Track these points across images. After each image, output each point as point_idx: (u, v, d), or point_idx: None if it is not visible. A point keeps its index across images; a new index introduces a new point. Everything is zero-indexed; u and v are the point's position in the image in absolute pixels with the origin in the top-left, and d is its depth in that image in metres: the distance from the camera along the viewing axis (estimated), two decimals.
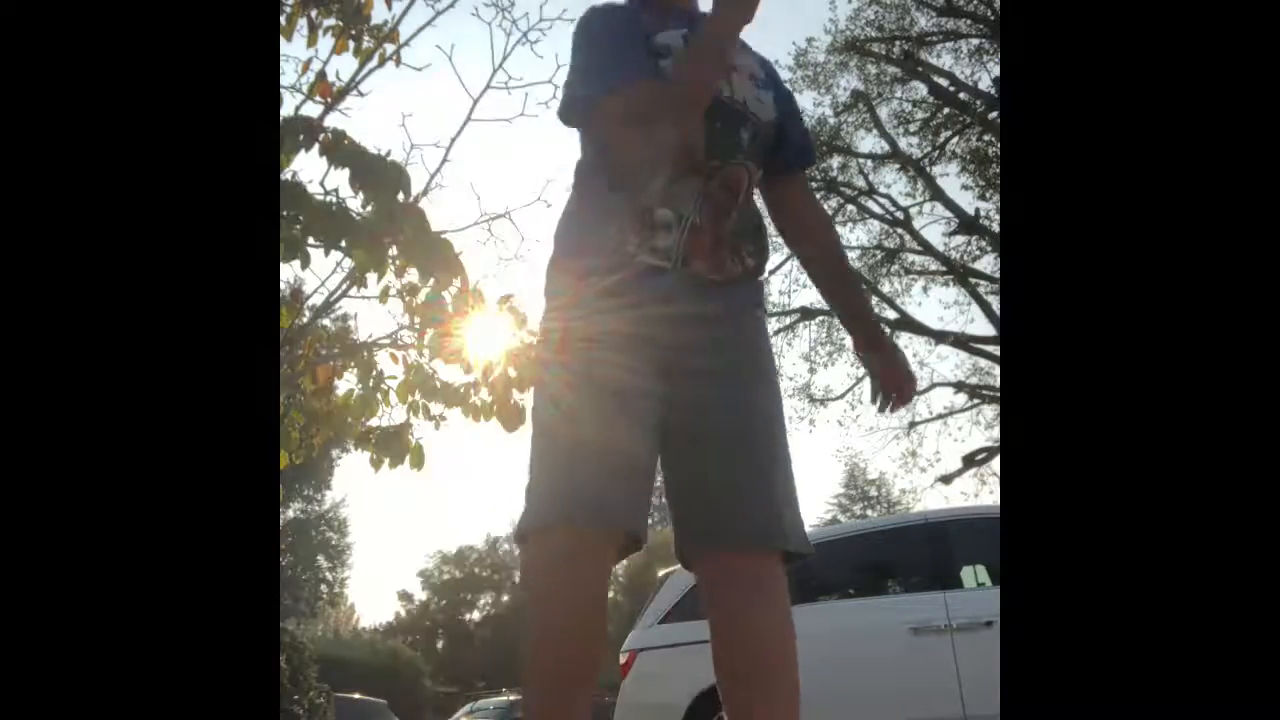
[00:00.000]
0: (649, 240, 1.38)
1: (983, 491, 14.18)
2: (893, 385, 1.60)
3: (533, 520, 1.32)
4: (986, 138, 13.50)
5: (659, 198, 1.39)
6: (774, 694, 1.31)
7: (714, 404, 1.36)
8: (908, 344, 15.51)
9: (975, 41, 13.97)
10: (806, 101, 14.76)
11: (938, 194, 14.11)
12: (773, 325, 15.39)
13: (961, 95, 14.02)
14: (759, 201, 1.56)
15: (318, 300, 3.89)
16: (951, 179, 15.37)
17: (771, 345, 1.52)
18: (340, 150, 2.76)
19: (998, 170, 12.50)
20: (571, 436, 1.33)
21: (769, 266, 1.62)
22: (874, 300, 15.08)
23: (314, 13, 3.14)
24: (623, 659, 5.18)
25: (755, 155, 1.47)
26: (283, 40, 3.09)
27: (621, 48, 1.42)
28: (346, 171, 2.74)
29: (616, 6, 1.51)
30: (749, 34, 1.47)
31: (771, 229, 1.61)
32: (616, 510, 1.30)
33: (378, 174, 2.73)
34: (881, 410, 1.60)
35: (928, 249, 14.79)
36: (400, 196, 2.76)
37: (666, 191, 1.39)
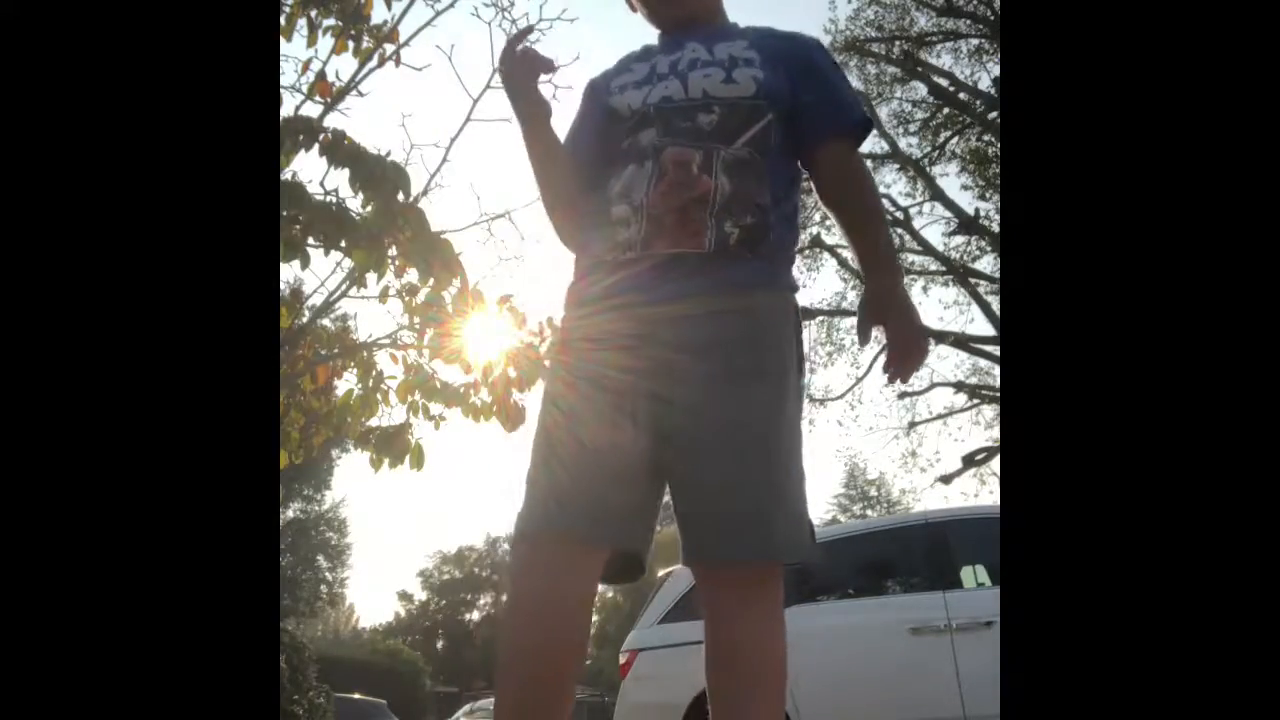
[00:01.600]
0: (611, 237, 1.39)
1: (983, 491, 14.18)
2: (897, 346, 1.48)
3: (518, 525, 1.33)
4: (986, 138, 13.50)
5: (616, 195, 1.42)
6: (750, 707, 1.29)
7: (701, 408, 1.32)
8: None
9: (975, 41, 13.97)
10: None
11: (937, 194, 14.11)
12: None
13: (961, 95, 14.02)
14: (772, 186, 1.45)
15: (317, 300, 3.89)
16: (951, 179, 15.40)
17: (790, 331, 1.41)
18: (340, 150, 2.76)
19: (997, 170, 12.50)
20: (561, 442, 1.33)
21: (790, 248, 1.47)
22: None
23: (314, 13, 3.14)
24: (623, 659, 5.18)
25: (731, 134, 1.41)
26: (282, 40, 3.09)
27: (573, 125, 1.58)
28: (346, 171, 2.74)
29: (614, 65, 1.59)
30: (757, 17, 1.52)
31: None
32: (596, 524, 1.29)
33: (377, 174, 2.73)
34: (886, 373, 1.50)
35: (927, 249, 14.79)
36: (400, 196, 2.76)
37: (624, 187, 1.41)
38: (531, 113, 1.50)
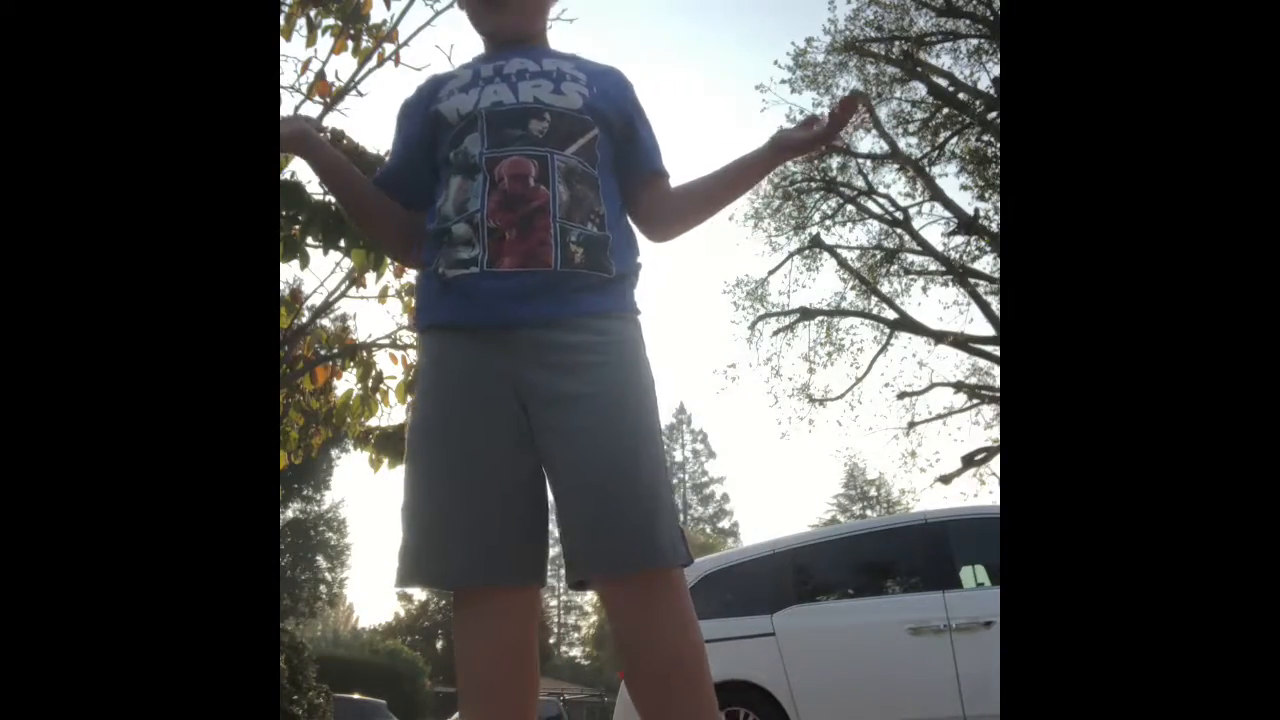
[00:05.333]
0: (453, 256, 1.36)
1: (982, 491, 14.20)
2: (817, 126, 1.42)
3: (395, 580, 1.37)
4: (986, 138, 13.52)
5: (451, 210, 1.39)
6: (670, 709, 1.30)
7: (573, 430, 1.32)
8: (907, 344, 15.57)
9: (975, 42, 13.99)
10: (806, 102, 14.80)
11: (937, 194, 14.13)
12: (772, 325, 15.41)
13: (961, 95, 14.04)
14: (614, 202, 1.46)
15: (317, 300, 3.89)
16: (951, 179, 15.42)
17: (643, 352, 1.41)
18: (340, 150, 2.76)
19: (997, 170, 12.52)
20: (417, 496, 1.36)
21: (638, 266, 1.48)
22: (873, 300, 15.13)
23: (313, 12, 3.14)
24: None
25: (562, 142, 1.41)
26: (281, 40, 3.08)
27: (394, 151, 1.58)
28: None
29: (434, 78, 1.56)
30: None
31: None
32: (465, 570, 1.33)
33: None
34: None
35: (927, 249, 14.81)
36: None
37: (456, 203, 1.38)
38: (325, 165, 1.55)
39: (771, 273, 15.46)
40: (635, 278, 1.46)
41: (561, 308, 1.34)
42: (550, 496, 1.37)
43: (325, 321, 4.05)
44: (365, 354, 3.71)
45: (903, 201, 14.83)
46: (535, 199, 1.35)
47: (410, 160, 1.52)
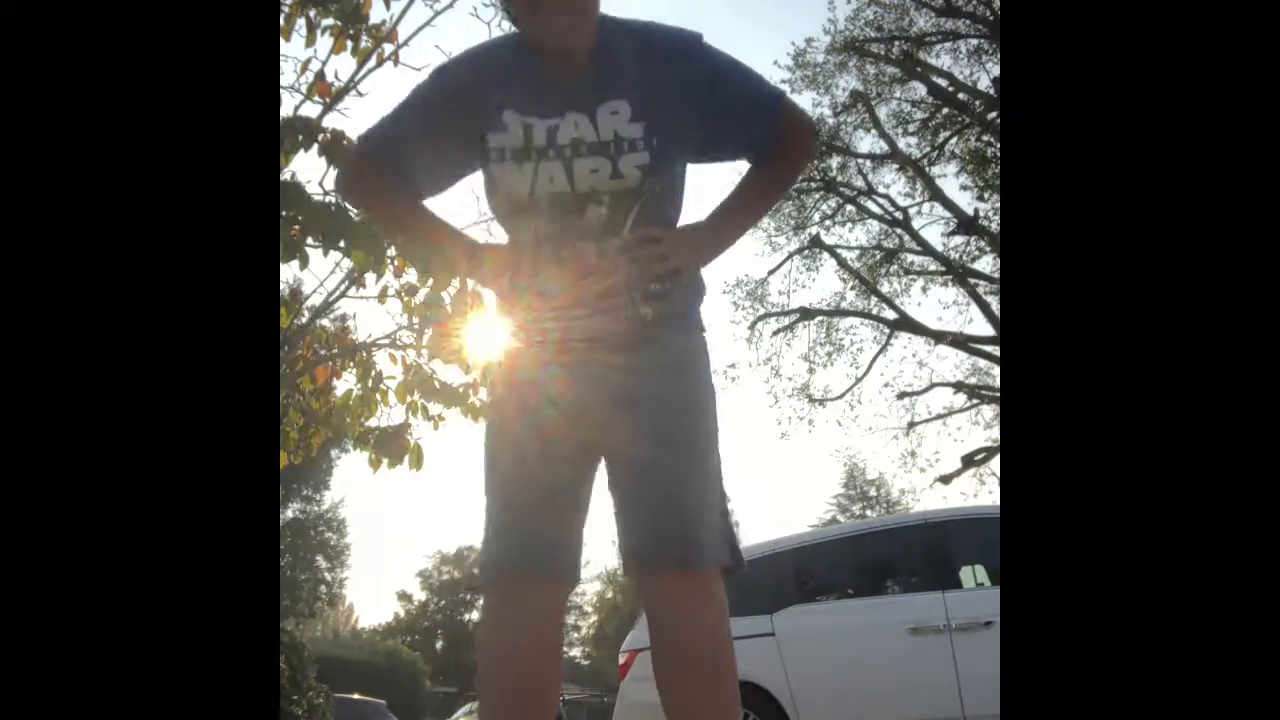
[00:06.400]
0: (538, 324, 1.43)
1: (982, 491, 14.19)
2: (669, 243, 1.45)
3: (482, 575, 1.47)
4: (985, 138, 13.51)
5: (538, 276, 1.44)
6: (699, 708, 1.36)
7: (628, 434, 1.39)
8: (907, 344, 15.57)
9: (974, 42, 13.99)
10: (806, 101, 14.80)
11: (937, 194, 14.12)
12: (772, 325, 15.40)
13: (960, 95, 14.03)
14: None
15: (317, 300, 3.89)
16: (950, 179, 15.42)
17: (705, 365, 1.48)
18: (339, 150, 2.76)
19: (997, 170, 12.52)
20: (495, 492, 1.44)
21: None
22: (873, 300, 15.13)
23: (312, 12, 3.14)
24: (622, 659, 5.18)
25: (620, 222, 1.42)
26: (281, 40, 3.08)
27: (409, 116, 1.49)
28: None
29: (478, 61, 1.48)
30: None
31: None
32: (545, 561, 1.40)
33: None
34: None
35: (927, 249, 14.80)
36: None
37: (539, 278, 1.43)
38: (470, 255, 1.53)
39: (771, 273, 15.45)
40: (700, 298, 1.52)
41: (632, 345, 1.42)
42: (609, 492, 1.45)
43: (325, 321, 4.05)
44: (365, 354, 3.71)
45: (902, 201, 14.82)
46: (602, 280, 1.41)
47: (427, 158, 1.51)
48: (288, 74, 3.27)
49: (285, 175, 2.85)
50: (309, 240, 2.80)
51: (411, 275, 3.32)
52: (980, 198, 13.75)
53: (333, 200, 2.79)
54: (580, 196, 1.40)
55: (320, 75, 3.25)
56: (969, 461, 13.95)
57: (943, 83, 14.14)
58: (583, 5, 1.39)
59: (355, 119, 6.91)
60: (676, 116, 1.41)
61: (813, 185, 15.01)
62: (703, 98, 1.43)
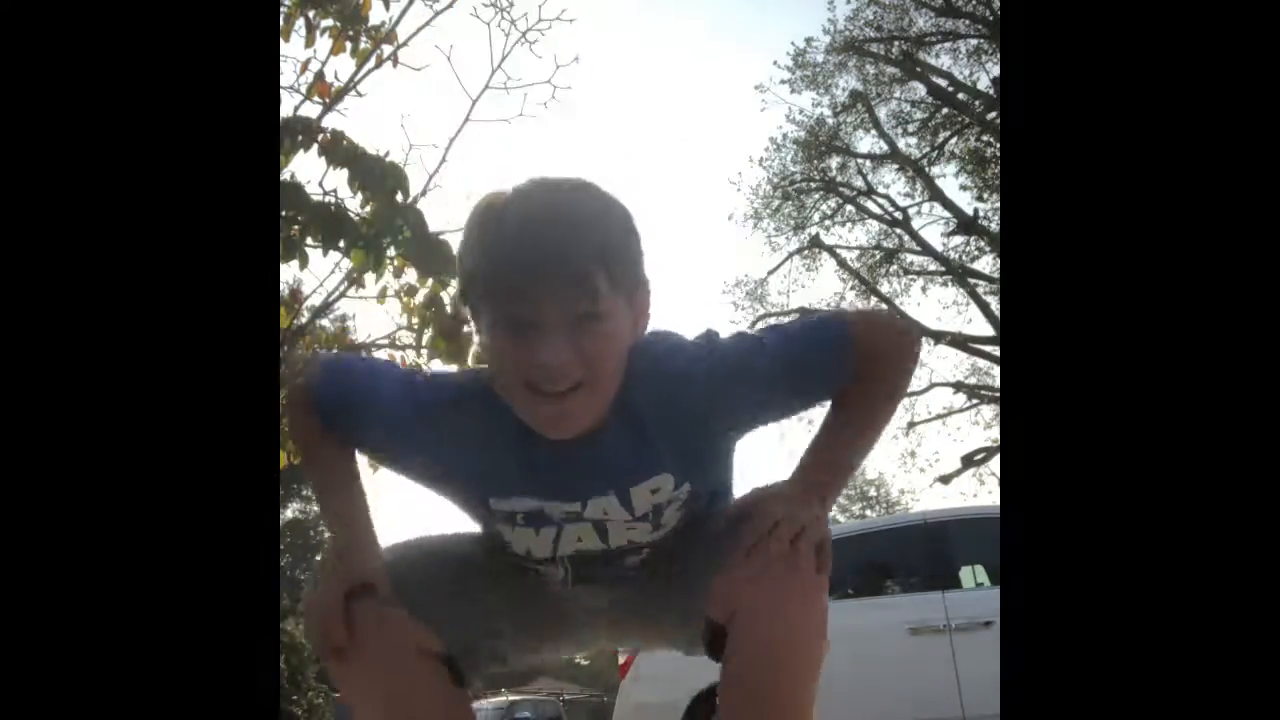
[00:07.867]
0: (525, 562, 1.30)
1: (982, 491, 14.20)
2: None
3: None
4: (985, 138, 13.53)
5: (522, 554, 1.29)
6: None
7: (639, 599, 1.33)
8: None
9: (974, 42, 14.00)
10: (805, 101, 14.80)
11: (936, 194, 14.14)
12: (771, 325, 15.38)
13: (960, 95, 14.05)
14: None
15: (316, 300, 3.89)
16: (950, 179, 15.41)
17: (714, 516, 1.27)
18: (339, 150, 2.77)
19: (996, 170, 12.52)
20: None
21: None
22: (873, 301, 15.12)
23: (312, 13, 3.14)
24: (622, 659, 5.19)
25: (645, 564, 1.29)
26: (281, 40, 3.08)
27: (380, 439, 1.29)
28: (345, 172, 2.74)
29: (465, 436, 1.21)
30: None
31: None
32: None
33: (376, 174, 2.73)
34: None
35: (926, 249, 14.82)
36: (399, 197, 2.76)
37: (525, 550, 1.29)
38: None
39: (771, 272, 15.47)
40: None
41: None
42: None
43: (325, 322, 4.06)
44: (364, 354, 3.71)
45: (902, 201, 14.84)
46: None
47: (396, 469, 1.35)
48: (287, 74, 3.28)
49: (285, 175, 2.85)
50: (309, 240, 2.80)
51: (411, 275, 3.32)
52: (980, 198, 13.78)
53: (332, 200, 2.79)
54: (616, 552, 1.25)
55: (320, 76, 3.25)
56: (969, 461, 13.97)
57: (942, 83, 14.16)
58: (602, 400, 1.12)
59: (355, 119, 6.90)
60: (726, 448, 1.28)
61: (812, 185, 15.01)
62: (763, 401, 1.23)
